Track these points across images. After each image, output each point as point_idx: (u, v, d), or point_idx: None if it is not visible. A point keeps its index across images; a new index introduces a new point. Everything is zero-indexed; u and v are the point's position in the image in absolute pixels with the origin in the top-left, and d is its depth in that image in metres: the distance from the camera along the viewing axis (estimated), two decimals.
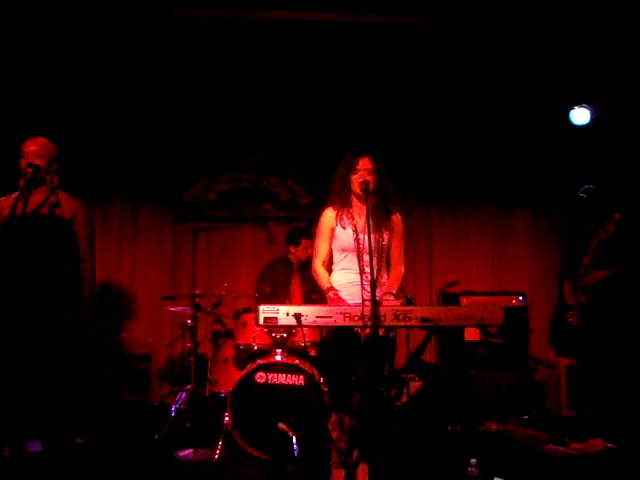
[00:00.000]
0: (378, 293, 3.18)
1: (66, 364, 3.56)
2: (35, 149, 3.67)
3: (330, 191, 3.59)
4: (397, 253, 3.58)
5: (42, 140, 3.75)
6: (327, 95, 6.30)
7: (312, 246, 5.06)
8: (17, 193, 3.64)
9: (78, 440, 4.51)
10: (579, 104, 6.09)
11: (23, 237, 3.56)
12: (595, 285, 4.76)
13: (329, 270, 3.57)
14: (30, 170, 3.60)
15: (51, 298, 3.55)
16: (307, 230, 5.46)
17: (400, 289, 3.62)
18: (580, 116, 6.11)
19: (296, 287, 5.29)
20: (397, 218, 3.61)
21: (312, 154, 6.51)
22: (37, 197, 3.65)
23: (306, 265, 5.27)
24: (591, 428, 4.67)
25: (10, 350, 3.44)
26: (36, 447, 3.71)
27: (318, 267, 3.51)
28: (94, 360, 5.55)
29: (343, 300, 3.31)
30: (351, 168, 3.49)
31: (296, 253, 5.39)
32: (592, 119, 6.05)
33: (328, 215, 3.54)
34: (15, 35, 5.17)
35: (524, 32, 5.42)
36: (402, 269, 3.57)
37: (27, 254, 3.56)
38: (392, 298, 3.31)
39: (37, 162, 3.64)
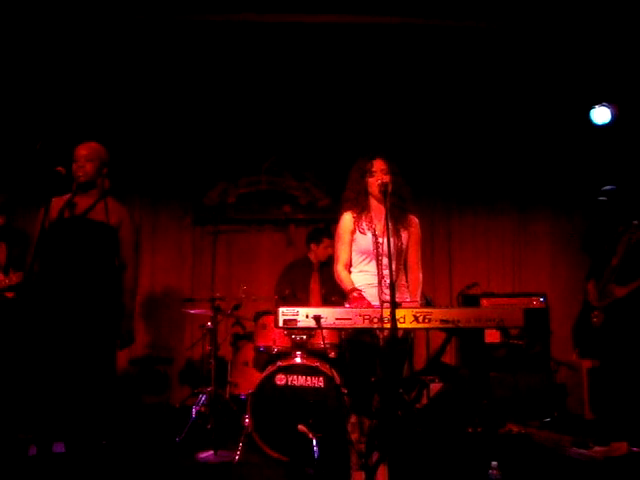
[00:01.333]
0: (397, 295, 3.18)
1: (101, 369, 3.60)
2: (86, 153, 3.73)
3: (346, 197, 3.59)
4: (415, 259, 3.58)
5: (92, 144, 3.80)
6: (345, 97, 6.30)
7: (332, 246, 5.13)
8: (68, 195, 3.71)
9: (102, 442, 4.56)
10: (599, 103, 6.03)
11: (68, 240, 3.62)
12: (614, 302, 4.73)
13: (349, 272, 3.58)
14: (81, 174, 3.67)
15: (92, 303, 3.59)
16: (328, 230, 5.48)
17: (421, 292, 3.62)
18: (601, 115, 6.05)
19: (315, 287, 5.29)
20: (414, 221, 3.60)
21: (330, 156, 6.51)
22: (87, 201, 3.71)
23: (326, 265, 5.30)
24: (614, 431, 4.61)
25: (44, 351, 3.49)
26: (59, 448, 3.76)
27: (341, 270, 3.52)
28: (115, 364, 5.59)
29: (366, 299, 3.31)
30: (366, 171, 3.49)
31: (317, 251, 5.38)
32: (613, 118, 5.99)
33: (347, 219, 3.55)
34: (46, 42, 5.25)
35: (545, 31, 5.38)
36: (420, 275, 3.58)
37: (71, 257, 3.60)
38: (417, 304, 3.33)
39: (87, 166, 3.70)
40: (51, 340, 3.50)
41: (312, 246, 5.42)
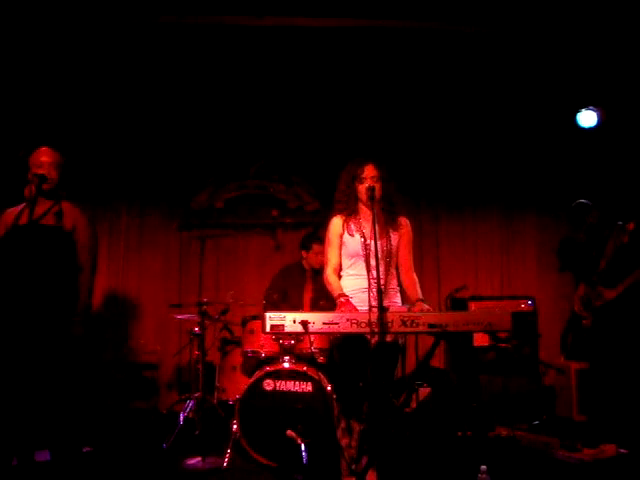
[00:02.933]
0: (385, 299, 3.17)
1: (63, 374, 3.56)
2: (50, 160, 3.71)
3: (336, 200, 3.59)
4: (408, 260, 3.60)
5: (52, 151, 3.77)
6: (333, 101, 6.30)
7: (320, 252, 5.11)
8: (22, 205, 3.69)
9: (87, 448, 4.52)
10: (586, 107, 6.06)
11: (22, 246, 3.58)
12: (604, 305, 4.75)
13: (339, 276, 3.57)
14: (37, 180, 3.63)
15: (47, 308, 3.56)
16: (317, 236, 5.45)
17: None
18: (587, 119, 6.08)
19: (308, 294, 5.27)
20: (405, 222, 3.60)
21: (319, 160, 6.51)
22: (41, 207, 3.67)
23: (319, 272, 5.26)
24: (603, 433, 4.62)
25: (11, 360, 3.45)
26: (44, 456, 3.71)
27: (330, 274, 3.51)
28: (98, 368, 5.55)
29: (353, 305, 3.30)
30: (356, 177, 3.49)
31: (308, 259, 5.33)
32: (599, 122, 6.02)
33: (336, 223, 3.54)
34: (18, 43, 5.20)
35: (532, 35, 5.41)
36: (415, 275, 3.60)
37: (25, 263, 3.57)
38: (426, 305, 3.33)
39: (51, 173, 3.69)
40: (13, 347, 3.47)
41: (303, 253, 5.37)
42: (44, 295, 3.56)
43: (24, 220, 3.60)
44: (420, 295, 3.48)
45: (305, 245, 5.34)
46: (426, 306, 3.34)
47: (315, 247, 5.24)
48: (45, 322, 3.53)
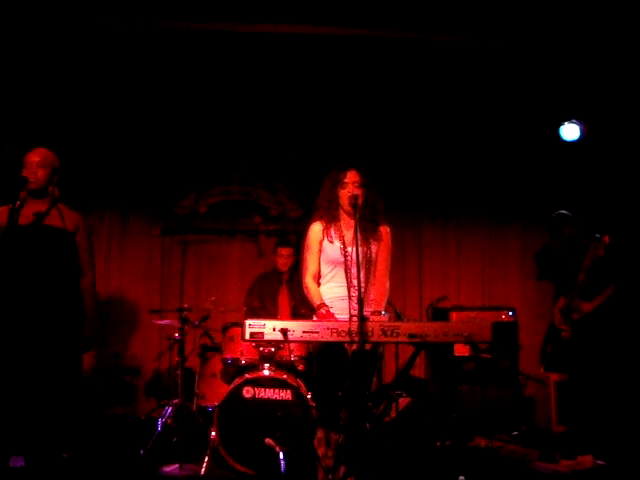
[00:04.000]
0: (366, 308, 3.16)
1: (61, 379, 3.53)
2: (38, 160, 3.67)
3: (317, 206, 3.58)
4: (383, 267, 3.55)
5: (44, 151, 3.74)
6: (318, 109, 6.31)
7: (292, 256, 5.17)
8: (15, 203, 3.61)
9: (63, 455, 4.46)
10: (569, 120, 6.11)
11: (27, 247, 3.55)
12: (582, 317, 4.79)
13: (318, 284, 3.55)
14: (33, 180, 3.60)
15: (53, 310, 3.53)
16: (285, 240, 5.66)
17: (389, 303, 3.61)
18: (570, 132, 6.13)
19: (284, 299, 5.28)
20: (385, 230, 3.59)
21: (302, 168, 6.51)
22: (38, 208, 3.63)
23: (295, 277, 5.28)
24: (581, 444, 4.65)
25: (7, 363, 3.41)
26: (19, 462, 3.66)
27: (309, 282, 3.49)
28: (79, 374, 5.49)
29: (334, 317, 3.29)
30: (338, 182, 3.48)
31: (274, 261, 5.45)
32: (582, 135, 6.08)
33: (315, 229, 3.53)
34: (15, 46, 5.17)
35: (515, 47, 5.45)
36: (387, 284, 3.55)
37: (31, 264, 3.54)
38: (383, 317, 3.30)
39: (38, 173, 3.64)
40: (11, 348, 3.42)
41: (273, 256, 5.46)
42: (51, 297, 3.54)
43: (23, 221, 3.55)
44: (382, 307, 3.46)
45: (275, 247, 5.42)
46: (382, 317, 3.31)
47: (279, 250, 5.37)
48: (50, 325, 3.50)
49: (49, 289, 3.54)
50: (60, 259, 3.62)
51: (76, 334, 3.64)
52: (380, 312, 3.35)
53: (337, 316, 3.29)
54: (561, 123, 6.16)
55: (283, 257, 5.33)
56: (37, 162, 3.66)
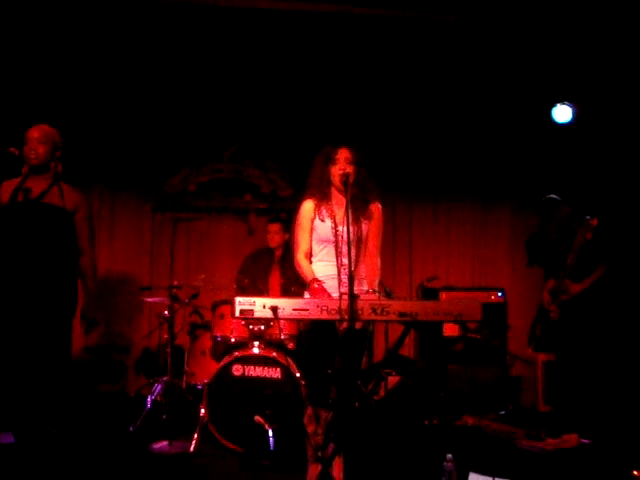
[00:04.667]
0: (357, 286, 3.16)
1: (51, 356, 3.52)
2: (38, 135, 3.64)
3: (309, 183, 3.56)
4: (374, 244, 3.54)
5: (46, 127, 3.72)
6: (308, 87, 6.24)
7: (280, 233, 5.17)
8: (19, 178, 3.60)
9: (52, 431, 4.47)
10: (561, 102, 6.10)
11: (25, 224, 3.53)
12: (570, 299, 4.81)
13: (310, 262, 3.54)
14: (33, 156, 3.59)
15: (49, 287, 3.52)
16: (276, 215, 5.69)
17: (380, 283, 3.60)
18: (562, 114, 6.12)
19: (275, 278, 5.27)
20: (377, 207, 3.57)
21: (293, 146, 6.47)
22: (40, 184, 3.62)
23: (287, 256, 5.28)
24: (566, 423, 4.70)
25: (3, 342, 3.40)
26: (8, 439, 3.66)
27: (301, 259, 3.47)
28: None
29: (326, 291, 3.28)
30: (330, 159, 3.45)
31: (265, 238, 5.44)
32: (574, 117, 6.07)
33: (307, 207, 3.51)
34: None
35: (507, 28, 5.42)
36: (378, 261, 3.54)
37: (29, 242, 3.52)
38: (375, 296, 3.30)
39: (39, 149, 3.62)
40: (5, 326, 3.43)
41: (264, 234, 5.48)
42: (48, 274, 3.52)
43: (22, 197, 3.53)
44: (375, 286, 3.44)
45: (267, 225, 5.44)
46: (375, 296, 3.32)
47: (268, 226, 5.39)
48: (45, 302, 3.49)
49: (43, 267, 3.52)
50: (56, 237, 3.59)
51: (67, 312, 3.62)
52: (374, 290, 3.35)
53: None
54: (553, 105, 6.14)
55: (271, 233, 5.33)
56: (37, 138, 3.63)
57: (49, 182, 3.64)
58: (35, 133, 3.64)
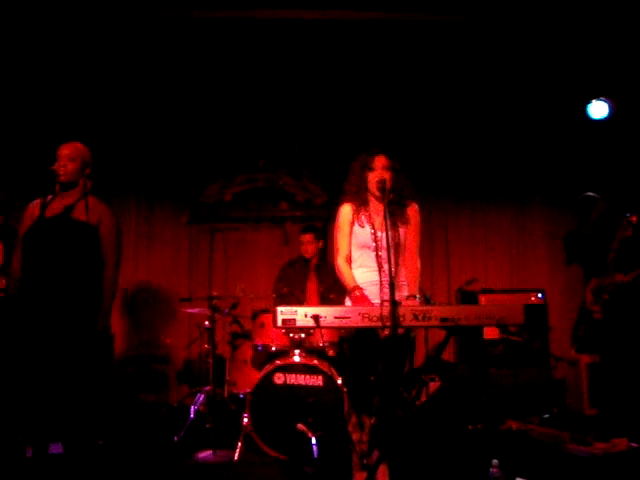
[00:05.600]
0: (397, 293, 3.14)
1: (83, 368, 3.58)
2: (68, 152, 3.73)
3: (345, 190, 3.56)
4: (413, 247, 3.52)
5: (75, 144, 3.80)
6: (341, 94, 6.27)
7: (312, 242, 5.19)
8: (51, 195, 3.70)
9: (98, 442, 4.54)
10: (597, 98, 6.00)
11: (48, 239, 3.60)
12: (615, 288, 4.71)
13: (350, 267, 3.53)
14: (62, 173, 3.68)
15: (71, 302, 3.58)
16: (308, 225, 5.64)
17: (420, 288, 3.59)
18: (598, 110, 6.02)
19: (312, 286, 5.27)
20: (413, 209, 3.55)
21: (327, 153, 6.49)
22: (67, 200, 3.71)
23: (323, 263, 5.30)
24: (614, 427, 4.61)
25: (30, 352, 3.48)
26: (58, 449, 3.73)
27: (342, 264, 3.47)
28: (111, 363, 5.56)
29: (367, 298, 3.28)
30: (367, 167, 3.46)
31: (300, 249, 5.43)
32: (610, 113, 5.97)
33: (346, 211, 3.51)
34: (32, 40, 5.21)
35: (542, 24, 5.36)
36: (419, 264, 3.53)
37: (51, 256, 3.59)
38: (417, 301, 3.30)
39: (68, 166, 3.71)
40: (33, 339, 3.50)
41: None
42: (69, 288, 3.58)
43: (50, 213, 3.62)
44: (416, 291, 3.43)
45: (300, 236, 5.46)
46: (416, 302, 3.31)
47: (300, 237, 5.41)
48: (69, 316, 3.55)
49: (66, 281, 3.58)
50: (78, 252, 3.65)
51: (89, 327, 3.65)
52: (415, 296, 3.34)
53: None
54: (589, 101, 6.05)
55: (304, 243, 5.33)
56: (67, 155, 3.72)
57: (76, 197, 3.73)
58: (65, 150, 3.74)
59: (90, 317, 3.64)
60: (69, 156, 3.72)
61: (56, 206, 3.67)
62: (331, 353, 4.66)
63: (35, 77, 5.61)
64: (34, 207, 3.70)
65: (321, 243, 5.37)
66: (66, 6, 4.91)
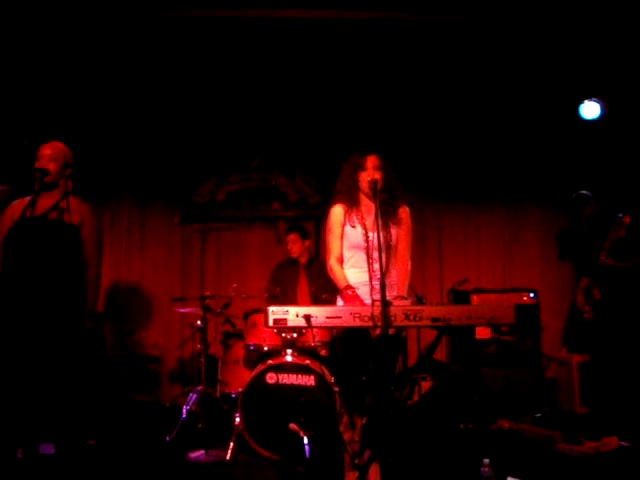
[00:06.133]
0: (388, 293, 3.15)
1: (71, 368, 3.56)
2: (49, 153, 3.70)
3: (337, 190, 3.56)
4: (404, 248, 3.53)
5: (57, 144, 3.77)
6: (334, 94, 6.27)
7: (297, 241, 5.19)
8: (31, 196, 3.68)
9: (90, 442, 4.54)
10: (589, 98, 6.02)
11: (30, 240, 3.57)
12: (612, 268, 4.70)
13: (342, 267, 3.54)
14: (38, 174, 3.63)
15: (54, 303, 3.55)
16: (293, 224, 5.65)
17: (410, 287, 3.60)
18: (590, 110, 6.05)
19: (303, 286, 5.28)
20: (405, 210, 3.56)
21: (320, 153, 6.49)
22: (48, 201, 3.67)
23: (313, 264, 5.30)
24: (605, 425, 4.63)
25: (18, 353, 3.46)
26: (49, 449, 3.72)
27: (334, 264, 3.47)
28: (103, 363, 5.54)
29: (359, 298, 3.29)
30: (359, 166, 3.46)
31: (286, 249, 5.42)
32: (602, 113, 5.99)
33: (337, 212, 3.51)
34: (23, 38, 5.19)
35: (533, 25, 5.37)
36: (409, 266, 3.53)
37: (33, 258, 3.57)
38: (405, 302, 3.30)
39: (49, 166, 3.67)
40: (19, 341, 3.47)
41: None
42: (51, 289, 3.55)
43: (31, 214, 3.59)
44: (404, 292, 3.44)
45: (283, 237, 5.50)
46: (405, 302, 3.31)
47: (286, 237, 5.43)
48: (52, 316, 3.53)
49: (47, 281, 3.55)
50: (60, 252, 3.62)
51: (74, 326, 3.62)
52: (403, 297, 3.35)
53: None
54: (581, 101, 6.07)
55: (289, 243, 5.34)
56: (49, 155, 3.69)
57: (57, 198, 3.69)
58: (47, 150, 3.70)
59: (75, 317, 3.62)
60: (51, 156, 3.68)
61: (37, 207, 3.63)
62: (323, 353, 4.67)
63: (28, 76, 5.58)
64: (14, 208, 3.66)
65: (307, 242, 5.37)
66: (60, 4, 4.89)
